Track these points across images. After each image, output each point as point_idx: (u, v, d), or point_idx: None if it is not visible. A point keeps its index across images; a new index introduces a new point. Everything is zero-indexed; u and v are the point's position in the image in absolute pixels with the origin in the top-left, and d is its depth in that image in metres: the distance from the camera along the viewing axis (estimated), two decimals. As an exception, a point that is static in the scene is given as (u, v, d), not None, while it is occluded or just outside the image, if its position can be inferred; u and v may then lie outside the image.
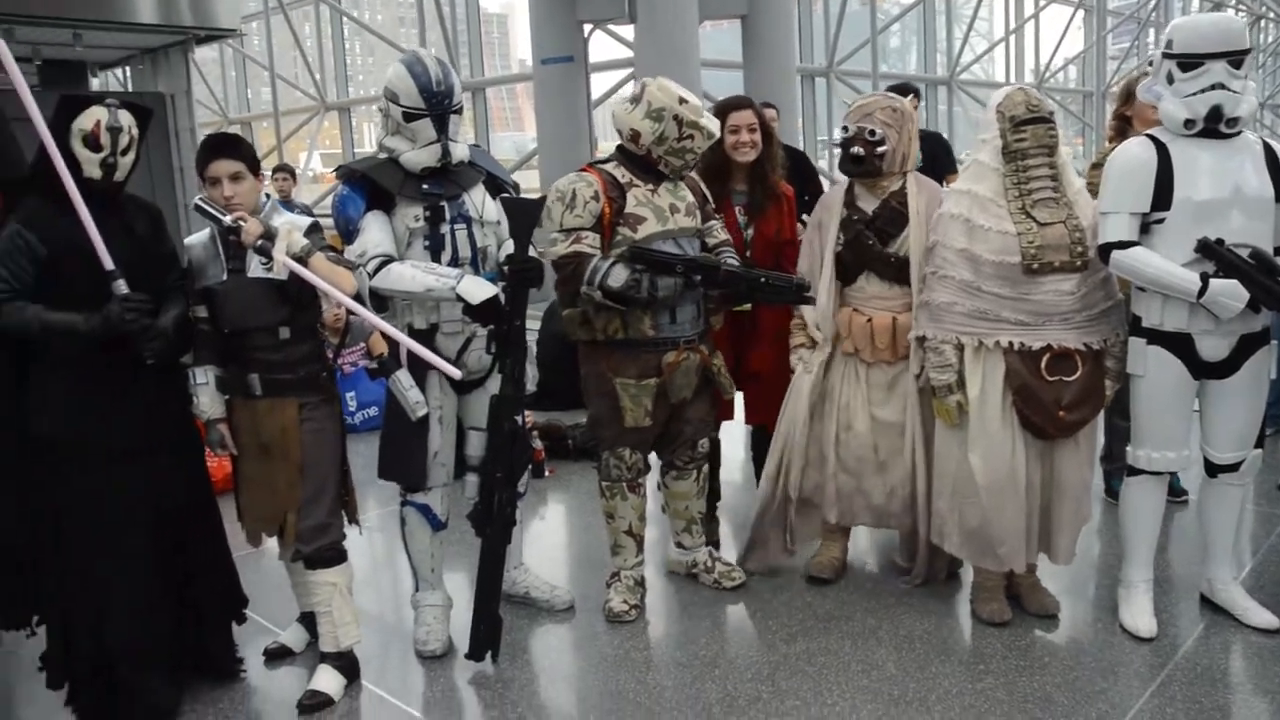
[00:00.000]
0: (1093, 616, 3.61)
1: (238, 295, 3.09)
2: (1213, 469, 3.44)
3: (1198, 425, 3.45)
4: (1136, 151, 3.26)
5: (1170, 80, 3.23)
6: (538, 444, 5.40)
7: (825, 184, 5.52)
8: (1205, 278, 3.12)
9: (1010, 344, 3.35)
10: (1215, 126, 3.16)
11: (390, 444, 3.44)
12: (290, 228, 3.05)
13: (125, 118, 2.96)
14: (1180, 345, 3.28)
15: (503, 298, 3.24)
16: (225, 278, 3.10)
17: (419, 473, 3.42)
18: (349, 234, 3.34)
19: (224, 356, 3.15)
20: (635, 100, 3.51)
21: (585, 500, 5.04)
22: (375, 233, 3.30)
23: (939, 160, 6.04)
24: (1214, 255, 3.13)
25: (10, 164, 3.26)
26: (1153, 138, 3.28)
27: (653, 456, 3.83)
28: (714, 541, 4.18)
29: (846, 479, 3.80)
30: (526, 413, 3.67)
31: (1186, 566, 3.91)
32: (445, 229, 3.36)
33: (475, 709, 3.24)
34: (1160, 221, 3.22)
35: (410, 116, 3.30)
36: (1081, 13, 23.28)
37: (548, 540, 4.67)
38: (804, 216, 4.26)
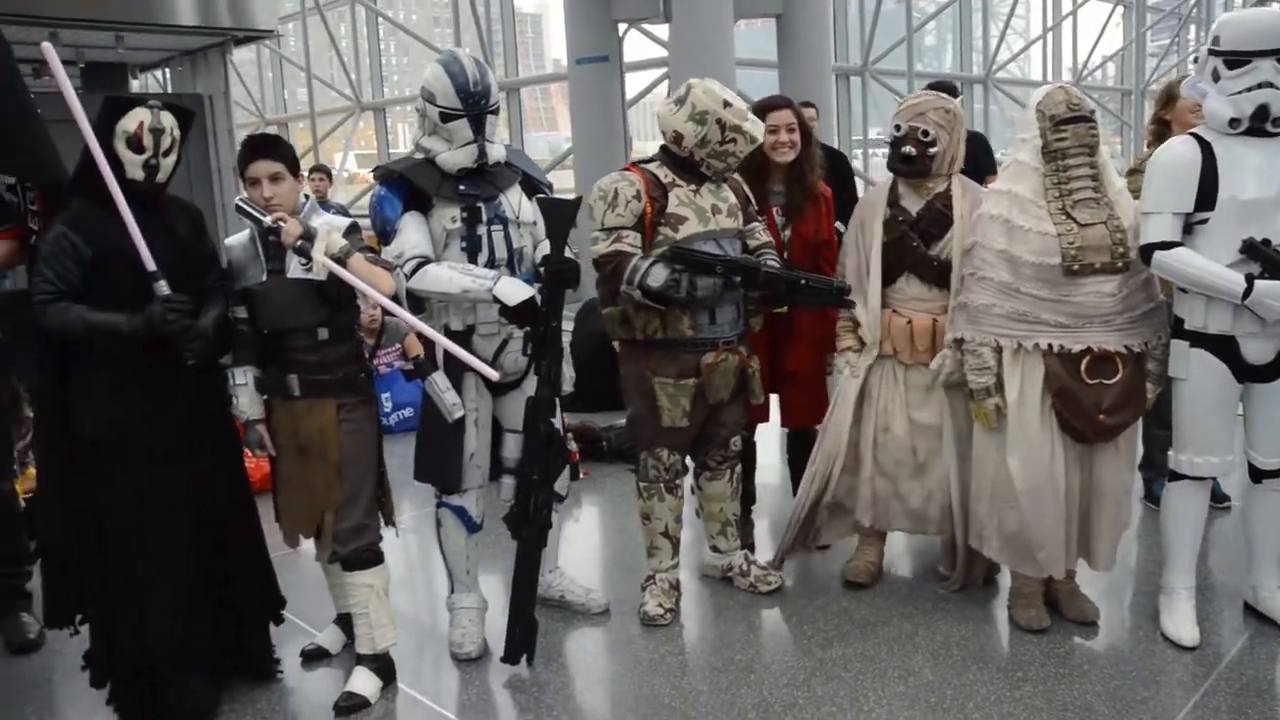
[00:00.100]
0: (1132, 624, 3.57)
1: (277, 296, 3.11)
2: (1257, 474, 3.39)
3: (1241, 429, 3.39)
4: (1180, 150, 3.22)
5: (1216, 77, 3.18)
6: (572, 446, 5.40)
7: (860, 185, 5.48)
8: (1250, 279, 3.07)
9: (1050, 346, 3.31)
10: (1261, 125, 3.10)
11: (426, 445, 3.45)
12: (329, 228, 3.06)
13: (167, 119, 2.99)
14: (1224, 348, 3.23)
15: (539, 299, 3.24)
16: (265, 278, 3.12)
17: (454, 475, 3.43)
18: (386, 235, 3.35)
19: (263, 357, 3.17)
20: (680, 102, 3.50)
21: (620, 503, 5.03)
22: (412, 234, 3.30)
23: (980, 161, 5.98)
24: (1259, 256, 3.08)
25: (48, 167, 3.30)
26: (1197, 136, 3.23)
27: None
28: (749, 545, 4.17)
29: (883, 483, 3.77)
30: (564, 415, 3.66)
31: (1229, 574, 3.84)
32: (482, 230, 3.36)
33: (510, 712, 3.24)
34: (1204, 222, 3.17)
35: (447, 117, 3.30)
36: (1120, 9, 23.00)
37: (582, 543, 4.67)
38: (838, 225, 4.22)
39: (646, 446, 3.70)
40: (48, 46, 2.83)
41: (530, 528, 3.32)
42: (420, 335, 3.26)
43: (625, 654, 3.52)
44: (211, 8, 8.06)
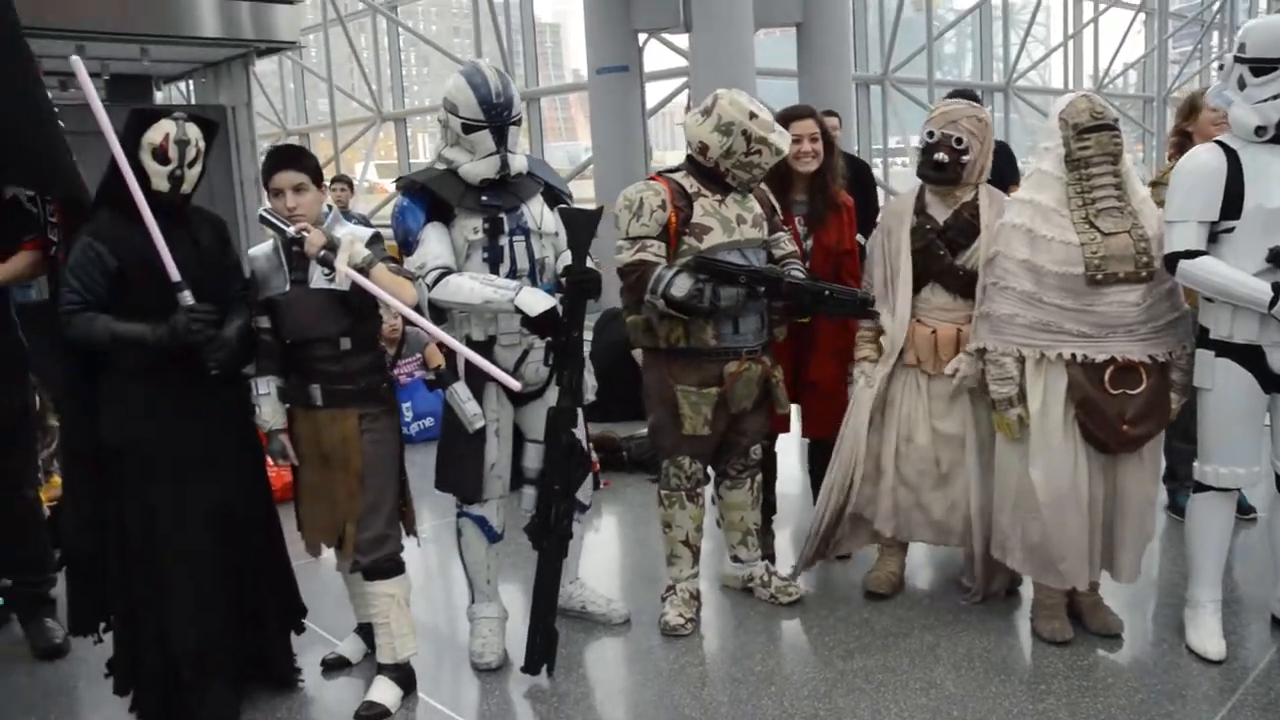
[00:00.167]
0: (1157, 637, 3.54)
1: (300, 306, 3.12)
2: (1284, 485, 3.36)
3: (1268, 440, 3.36)
4: (1206, 159, 3.20)
5: (1242, 85, 3.15)
6: (593, 455, 5.39)
7: (880, 195, 5.45)
8: (1277, 288, 3.04)
9: (1073, 356, 3.29)
10: (1288, 133, 3.08)
11: (447, 455, 3.45)
12: (353, 239, 3.07)
13: (192, 130, 3.01)
14: (1250, 357, 3.20)
15: (561, 309, 3.25)
16: (288, 288, 3.14)
17: (475, 484, 3.43)
18: (408, 245, 3.36)
19: (285, 367, 3.18)
20: (706, 112, 3.50)
21: (640, 513, 5.02)
22: (434, 244, 3.31)
23: (1004, 171, 5.94)
24: (1286, 265, 3.06)
25: (69, 183, 3.33)
26: (1222, 144, 3.21)
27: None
28: (770, 556, 4.16)
29: (905, 493, 3.76)
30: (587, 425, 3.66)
31: (1256, 586, 3.80)
32: (504, 241, 3.37)
33: (531, 722, 3.24)
34: (1229, 230, 3.15)
35: (469, 128, 3.31)
36: (1142, 16, 22.88)
37: (602, 553, 4.67)
38: (859, 236, 4.20)
39: (668, 454, 3.70)
40: (76, 60, 2.86)
41: (551, 538, 3.32)
42: (442, 345, 3.27)
43: (645, 664, 3.52)
44: (235, 20, 8.13)
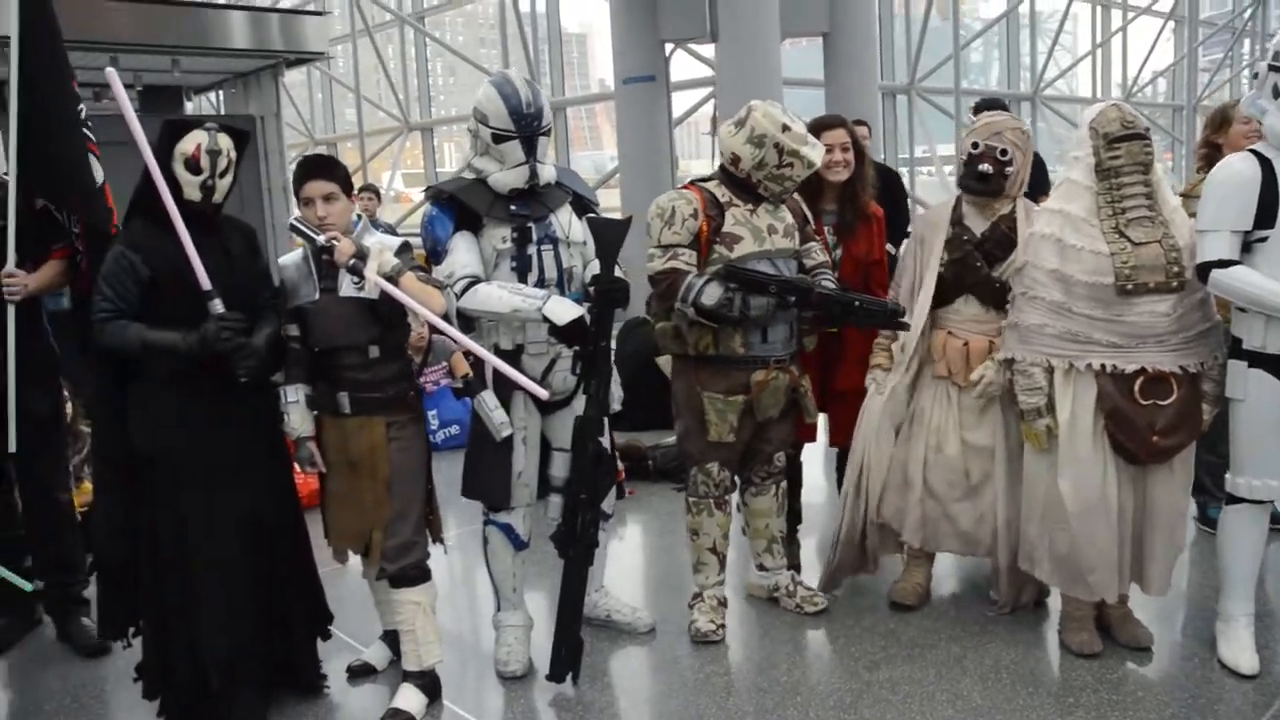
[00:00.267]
0: (1187, 650, 3.49)
1: (329, 314, 3.14)
2: (1318, 498, 3.31)
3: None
4: (1240, 168, 3.17)
5: (1276, 94, 3.13)
6: (619, 464, 5.40)
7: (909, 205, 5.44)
8: (1312, 298, 3.01)
9: (1102, 366, 3.27)
10: (1323, 143, 3.06)
11: (474, 463, 3.46)
12: (382, 247, 3.09)
13: (224, 141, 3.05)
14: (1284, 369, 3.17)
15: (588, 318, 3.25)
16: (317, 297, 3.16)
17: (502, 492, 3.44)
18: (437, 254, 3.38)
19: (314, 375, 3.21)
20: (739, 124, 3.51)
21: (665, 521, 5.02)
22: (463, 254, 3.33)
23: (1036, 181, 5.91)
24: (1320, 276, 3.02)
25: (95, 208, 3.42)
26: (1256, 153, 3.18)
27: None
28: (795, 565, 4.15)
29: (933, 504, 3.73)
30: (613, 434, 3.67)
31: (1290, 599, 3.77)
32: (532, 250, 3.39)
33: (556, 730, 3.24)
34: (1263, 240, 3.12)
35: (499, 138, 3.32)
36: (1171, 24, 22.72)
37: (627, 562, 4.66)
38: (889, 246, 4.19)
39: (696, 462, 3.70)
40: (111, 72, 2.90)
41: (578, 546, 3.32)
42: (469, 354, 3.28)
43: (670, 673, 3.51)
44: (264, 31, 8.22)
